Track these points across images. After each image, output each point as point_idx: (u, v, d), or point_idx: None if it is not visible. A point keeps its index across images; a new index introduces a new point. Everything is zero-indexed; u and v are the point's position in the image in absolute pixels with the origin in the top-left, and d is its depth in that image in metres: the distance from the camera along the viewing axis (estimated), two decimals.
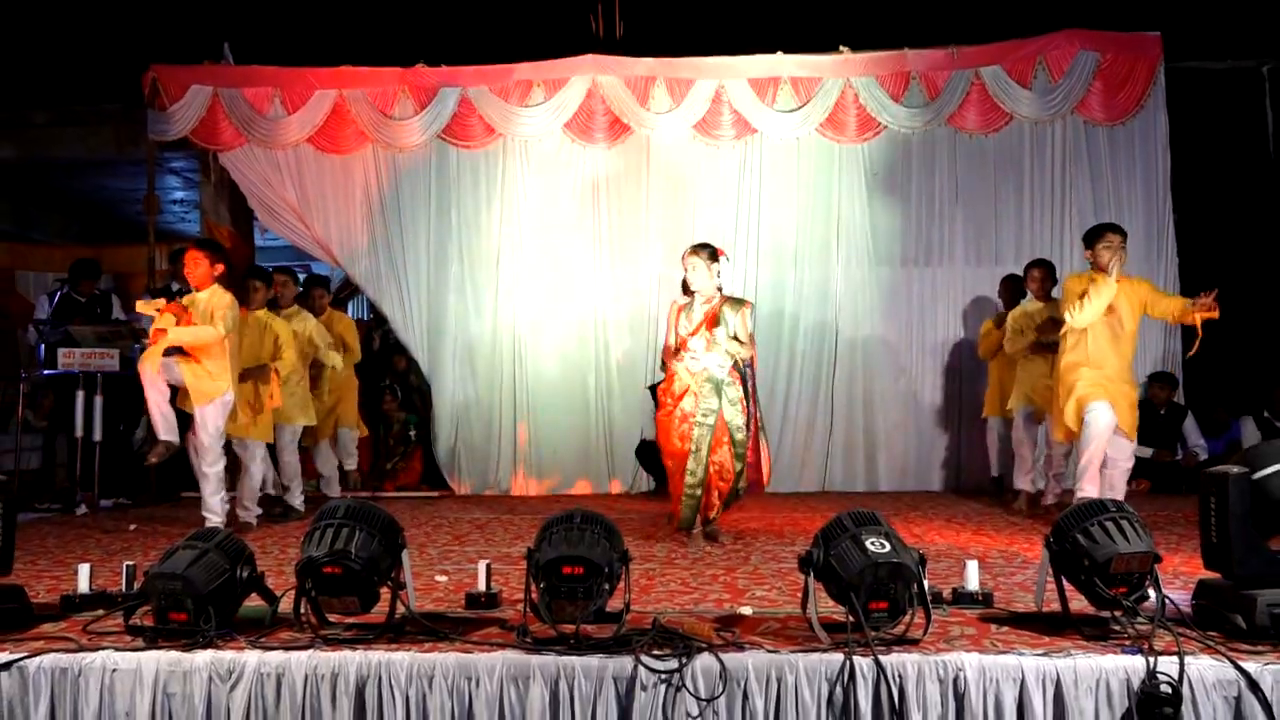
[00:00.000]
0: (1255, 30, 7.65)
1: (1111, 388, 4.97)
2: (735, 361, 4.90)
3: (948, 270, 7.60)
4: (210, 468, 5.17)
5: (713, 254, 4.95)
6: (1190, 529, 4.88)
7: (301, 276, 6.83)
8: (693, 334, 4.88)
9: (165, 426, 5.06)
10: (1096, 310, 4.91)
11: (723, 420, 4.83)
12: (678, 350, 4.93)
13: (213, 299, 5.13)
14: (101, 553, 4.79)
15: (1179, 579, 3.69)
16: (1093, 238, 5.09)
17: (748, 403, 4.96)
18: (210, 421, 5.11)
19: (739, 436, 4.86)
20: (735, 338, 4.87)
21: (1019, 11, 7.85)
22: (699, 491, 4.83)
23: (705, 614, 3.23)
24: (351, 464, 7.10)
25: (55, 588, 3.73)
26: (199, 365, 5.07)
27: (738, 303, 4.98)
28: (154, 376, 4.97)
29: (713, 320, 4.88)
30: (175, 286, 6.90)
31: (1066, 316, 5.02)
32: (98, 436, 6.52)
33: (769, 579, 3.92)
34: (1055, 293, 6.19)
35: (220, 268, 5.23)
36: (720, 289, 5.01)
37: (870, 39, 7.63)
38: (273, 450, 6.03)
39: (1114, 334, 5.00)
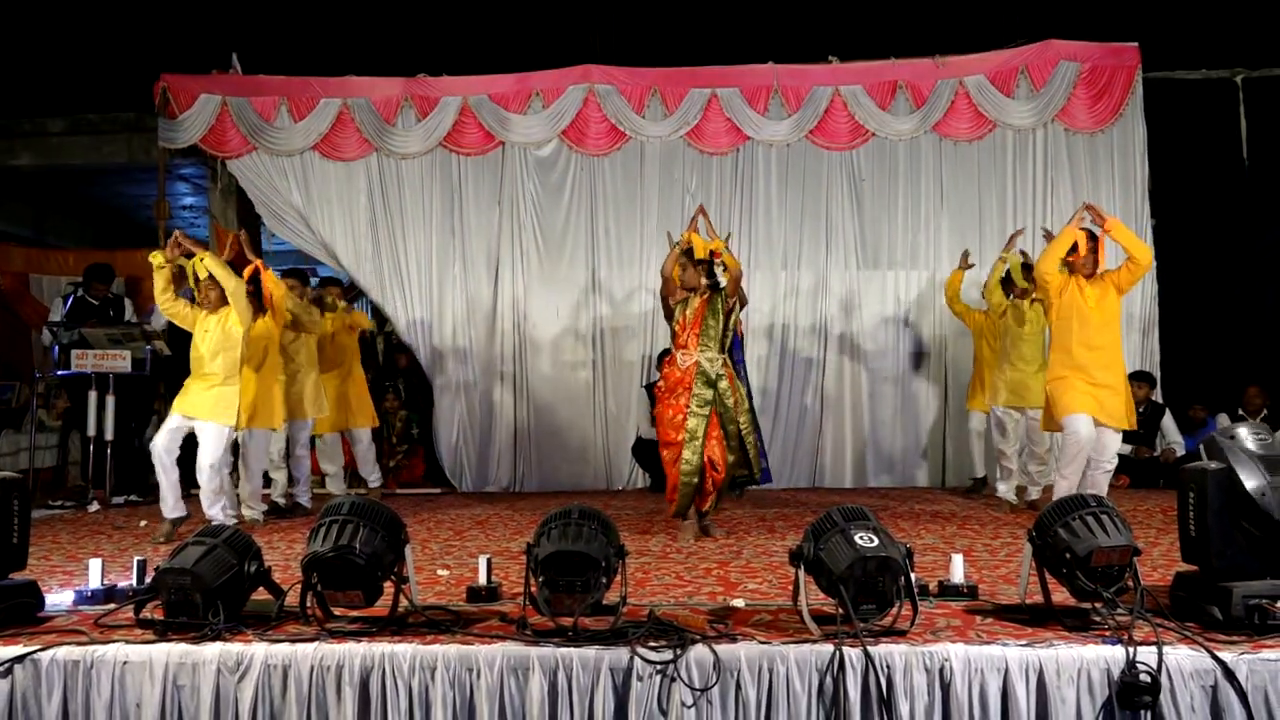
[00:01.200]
0: (1229, 41, 7.79)
1: (1097, 386, 4.97)
2: (727, 356, 5.02)
3: (934, 272, 7.70)
4: (211, 466, 5.06)
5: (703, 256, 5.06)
6: (1168, 523, 4.98)
7: (313, 281, 6.88)
8: (686, 330, 4.98)
9: (173, 503, 5.08)
10: (1056, 253, 5.03)
11: (715, 413, 4.91)
12: (674, 342, 5.05)
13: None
14: (113, 548, 4.84)
15: (1158, 571, 3.77)
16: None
17: (740, 393, 5.07)
18: (213, 438, 5.07)
19: (731, 429, 4.95)
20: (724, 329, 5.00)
21: (1002, 22, 7.98)
22: (694, 480, 4.88)
23: (699, 606, 3.28)
24: (376, 481, 6.87)
25: (68, 582, 3.78)
26: (226, 389, 5.12)
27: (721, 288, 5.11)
28: (172, 462, 5.05)
29: (702, 313, 4.97)
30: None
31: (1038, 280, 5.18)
32: (110, 436, 6.57)
33: (761, 572, 3.97)
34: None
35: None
36: (714, 286, 5.10)
37: (858, 49, 7.76)
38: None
39: (1090, 323, 5.03)
